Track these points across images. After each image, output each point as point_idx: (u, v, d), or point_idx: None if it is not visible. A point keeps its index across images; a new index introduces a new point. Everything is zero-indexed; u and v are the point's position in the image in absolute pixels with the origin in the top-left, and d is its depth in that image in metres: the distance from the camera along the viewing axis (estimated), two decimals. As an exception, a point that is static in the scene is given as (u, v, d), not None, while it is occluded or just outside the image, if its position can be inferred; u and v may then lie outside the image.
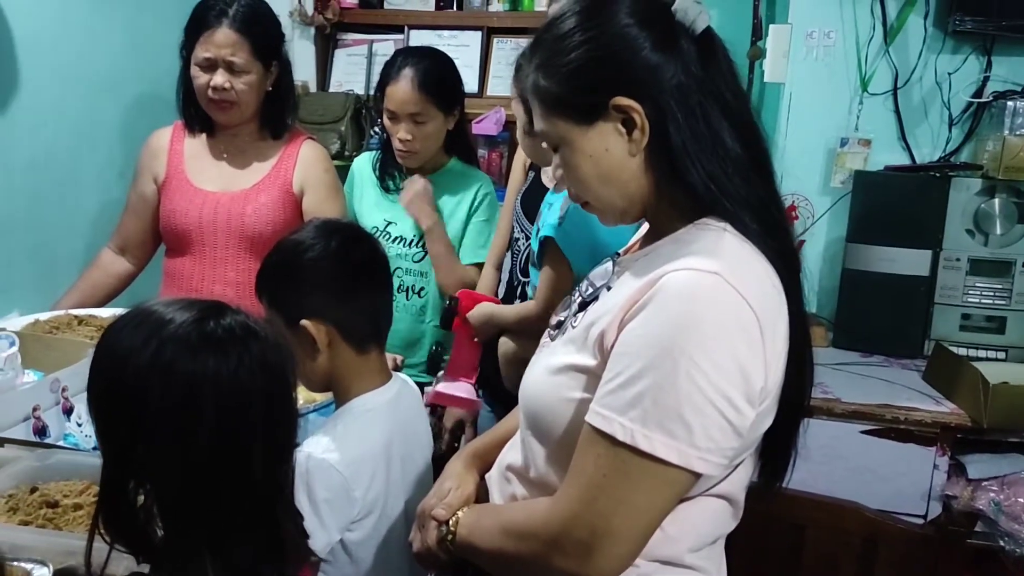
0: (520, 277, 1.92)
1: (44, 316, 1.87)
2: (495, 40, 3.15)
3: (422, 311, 2.19)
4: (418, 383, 2.15)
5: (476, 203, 2.20)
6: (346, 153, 2.95)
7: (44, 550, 1.10)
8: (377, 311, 1.41)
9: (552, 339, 1.18)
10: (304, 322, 1.31)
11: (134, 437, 0.91)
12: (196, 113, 2.05)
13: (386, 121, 2.14)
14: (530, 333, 1.70)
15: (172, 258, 2.10)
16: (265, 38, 2.00)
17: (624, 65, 1.02)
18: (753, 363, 0.96)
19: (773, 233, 1.04)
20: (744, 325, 0.95)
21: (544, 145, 1.13)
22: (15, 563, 1.07)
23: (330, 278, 1.34)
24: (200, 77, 1.97)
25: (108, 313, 1.92)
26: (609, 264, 1.15)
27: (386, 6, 3.21)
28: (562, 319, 1.17)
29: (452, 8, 3.18)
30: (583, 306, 1.14)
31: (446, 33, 3.17)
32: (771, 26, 2.52)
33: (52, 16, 2.32)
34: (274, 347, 0.97)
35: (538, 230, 1.74)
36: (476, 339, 1.84)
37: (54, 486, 1.27)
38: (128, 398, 0.90)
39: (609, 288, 1.10)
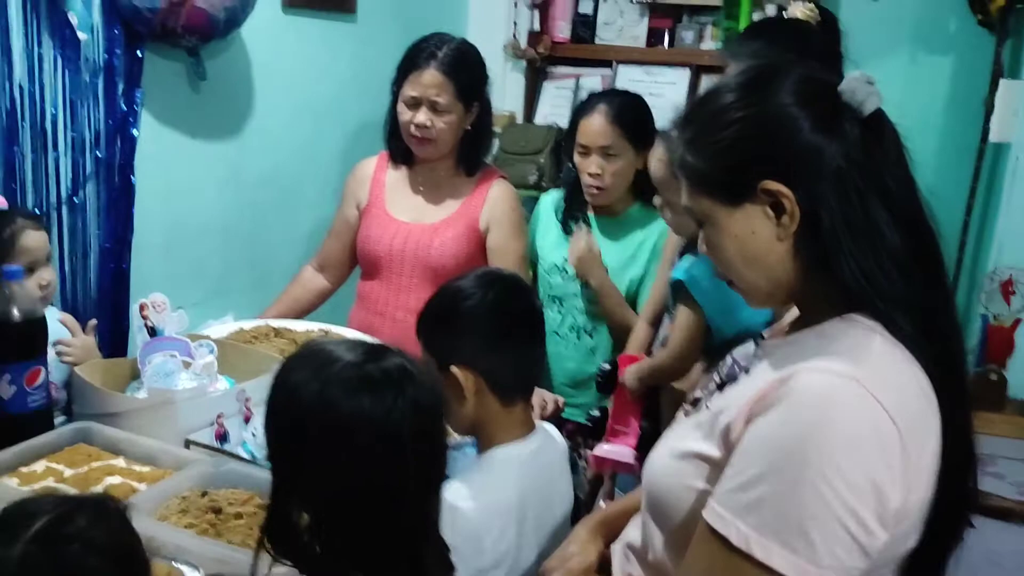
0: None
1: (248, 325, 2.06)
2: (704, 78, 3.10)
3: (592, 352, 2.20)
4: (582, 424, 2.19)
5: (656, 251, 2.17)
6: (543, 184, 3.01)
7: (199, 554, 1.21)
8: (527, 365, 1.44)
9: (687, 415, 1.15)
10: (454, 368, 1.35)
11: (297, 463, 1.01)
12: (399, 146, 2.17)
13: (576, 158, 2.17)
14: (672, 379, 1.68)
15: (365, 281, 2.24)
16: (469, 81, 2.09)
17: (778, 147, 0.98)
18: (889, 481, 0.89)
19: (933, 337, 0.96)
20: (882, 438, 0.89)
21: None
22: (174, 563, 1.19)
23: (484, 328, 1.38)
24: (405, 114, 2.09)
25: (303, 327, 2.08)
26: (752, 345, 1.11)
27: (597, 41, 3.24)
28: (699, 396, 1.14)
29: (663, 45, 3.17)
30: (721, 386, 1.11)
31: (654, 69, 3.16)
32: (1001, 81, 2.30)
33: (287, 47, 2.56)
34: (428, 390, 1.03)
35: None
36: (633, 400, 1.81)
37: (222, 493, 1.39)
38: (294, 427, 1.01)
39: (748, 372, 1.06)
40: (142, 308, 1.70)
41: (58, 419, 1.67)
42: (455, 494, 1.31)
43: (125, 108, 2.12)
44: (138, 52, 2.12)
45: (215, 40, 2.22)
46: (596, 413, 1.84)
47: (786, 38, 1.75)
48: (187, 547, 1.22)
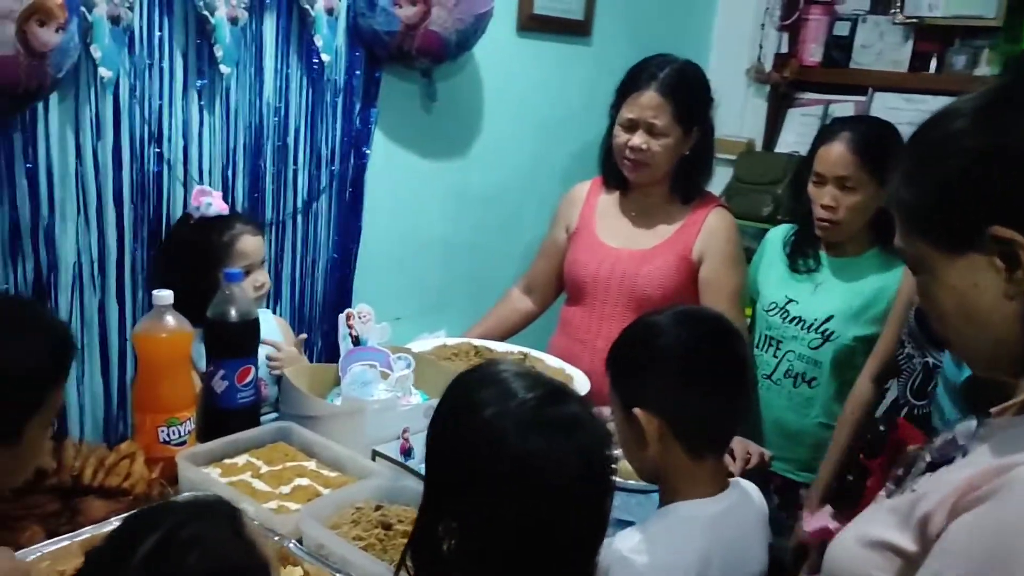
0: (912, 399, 1.65)
1: (451, 341, 2.08)
2: (975, 107, 2.76)
3: (808, 404, 2.00)
4: (792, 481, 2.00)
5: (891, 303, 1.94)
6: (777, 217, 2.82)
7: (360, 567, 1.21)
8: (720, 417, 1.28)
9: (888, 495, 0.98)
10: (636, 410, 1.25)
11: (454, 482, 0.99)
12: (613, 170, 2.11)
13: (811, 187, 1.99)
14: None
15: (569, 306, 2.19)
16: (689, 104, 1.99)
17: (1015, 186, 0.81)
18: None
19: None
20: None
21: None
22: (337, 572, 1.20)
23: (673, 372, 1.25)
24: (620, 136, 2.03)
25: (503, 348, 2.07)
26: (974, 423, 0.93)
27: (852, 65, 3.00)
28: (900, 474, 0.98)
29: (929, 70, 2.87)
30: (933, 466, 0.94)
31: (916, 97, 2.86)
32: None
33: (519, 69, 2.60)
34: (598, 442, 1.01)
35: None
36: None
37: (394, 508, 1.39)
38: (457, 447, 1.00)
39: (965, 454, 0.89)
40: (348, 317, 1.77)
41: (269, 415, 1.77)
42: (630, 545, 1.21)
43: (360, 126, 2.24)
44: (376, 74, 2.23)
45: (447, 62, 2.29)
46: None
47: None
48: (351, 560, 1.23)
